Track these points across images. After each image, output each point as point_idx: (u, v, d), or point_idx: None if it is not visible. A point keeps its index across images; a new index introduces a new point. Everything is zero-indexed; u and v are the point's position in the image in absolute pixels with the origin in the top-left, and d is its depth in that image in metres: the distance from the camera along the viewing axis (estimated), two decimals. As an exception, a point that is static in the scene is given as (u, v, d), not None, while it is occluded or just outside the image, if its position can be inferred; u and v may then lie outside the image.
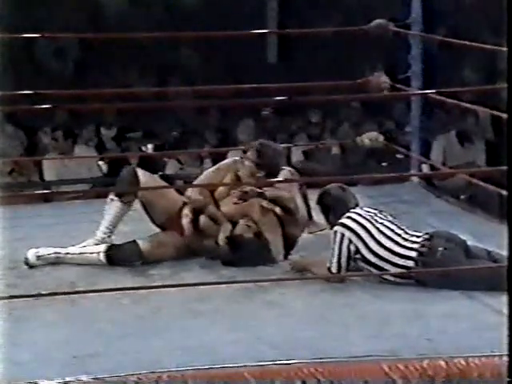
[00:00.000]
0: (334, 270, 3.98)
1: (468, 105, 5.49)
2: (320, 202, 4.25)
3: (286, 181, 4.41)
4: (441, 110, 7.20)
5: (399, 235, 4.00)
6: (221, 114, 7.77)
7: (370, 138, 4.89)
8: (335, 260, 3.98)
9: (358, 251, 3.98)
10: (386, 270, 3.94)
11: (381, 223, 4.02)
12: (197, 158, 7.00)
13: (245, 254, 4.20)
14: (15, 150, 7.15)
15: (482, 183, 4.98)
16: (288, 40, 8.58)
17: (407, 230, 4.04)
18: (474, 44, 5.19)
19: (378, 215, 4.07)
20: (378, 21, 5.14)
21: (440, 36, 5.99)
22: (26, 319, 3.55)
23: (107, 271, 4.14)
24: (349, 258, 3.98)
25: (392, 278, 3.96)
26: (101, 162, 6.82)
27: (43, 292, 3.67)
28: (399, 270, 3.93)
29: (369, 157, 6.86)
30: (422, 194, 5.39)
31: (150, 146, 7.05)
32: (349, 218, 4.03)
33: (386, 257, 3.95)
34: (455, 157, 7.15)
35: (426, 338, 3.39)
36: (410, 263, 3.93)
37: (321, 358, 3.19)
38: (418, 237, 4.00)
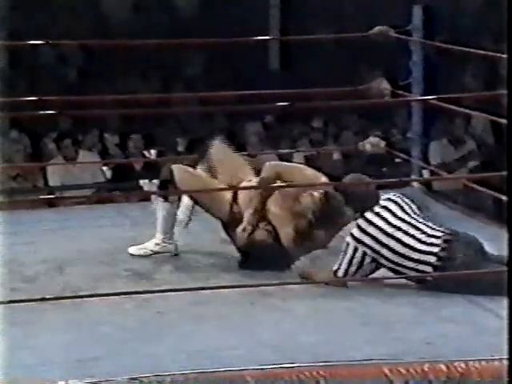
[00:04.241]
0: (340, 274, 3.95)
1: (468, 111, 5.49)
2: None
3: (288, 186, 4.40)
4: (441, 116, 7.20)
5: (417, 239, 3.90)
6: (223, 121, 7.78)
7: (371, 143, 4.89)
8: (344, 267, 3.94)
9: (374, 260, 3.92)
10: (404, 273, 3.89)
11: (398, 227, 3.92)
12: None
13: (262, 259, 4.21)
14: (20, 155, 7.16)
15: (480, 188, 4.98)
16: (290, 47, 8.59)
17: (425, 230, 3.92)
18: (474, 51, 5.19)
19: (392, 217, 3.94)
20: (378, 27, 5.15)
21: (441, 43, 5.99)
22: (30, 323, 3.56)
23: (111, 276, 4.14)
24: (358, 268, 3.93)
25: (407, 282, 3.91)
26: (104, 168, 6.84)
27: (47, 296, 3.67)
28: (416, 275, 3.87)
29: (370, 162, 6.86)
30: (422, 199, 5.38)
31: (153, 152, 7.07)
32: (363, 230, 3.92)
33: (404, 264, 3.89)
34: (450, 159, 7.18)
35: (427, 341, 3.40)
36: (429, 269, 3.86)
37: (322, 362, 3.19)
38: (437, 237, 3.90)
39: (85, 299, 3.71)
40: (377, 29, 5.16)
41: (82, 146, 7.26)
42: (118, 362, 3.21)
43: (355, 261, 3.93)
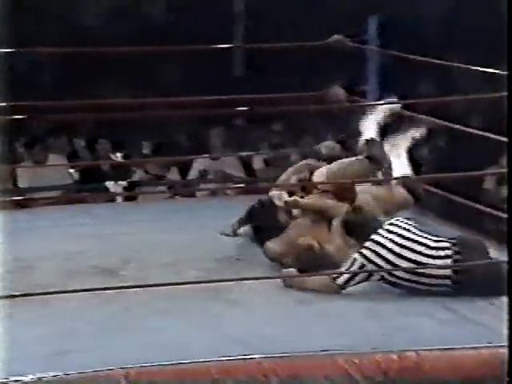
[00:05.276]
0: (339, 283, 3.88)
1: (421, 116, 5.56)
2: (344, 227, 4.11)
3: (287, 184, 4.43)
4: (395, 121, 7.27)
5: (425, 255, 3.86)
6: (191, 124, 7.82)
7: (327, 146, 4.96)
8: (345, 278, 3.86)
9: (384, 278, 3.87)
10: (422, 290, 3.85)
11: (403, 246, 3.88)
12: (165, 166, 7.08)
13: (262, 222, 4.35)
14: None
15: (433, 189, 5.05)
16: (254, 54, 8.63)
17: (430, 244, 3.89)
18: (427, 59, 5.26)
19: (398, 238, 3.90)
20: (335, 36, 5.22)
21: (396, 51, 6.06)
22: (1, 319, 3.55)
23: (79, 272, 4.15)
24: (358, 283, 3.88)
25: (427, 288, 3.85)
26: (72, 170, 6.86)
27: (18, 293, 3.67)
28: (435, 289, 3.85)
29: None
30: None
31: (119, 155, 7.11)
32: (370, 249, 3.89)
33: (421, 280, 3.83)
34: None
35: (381, 333, 3.45)
36: (447, 282, 3.82)
37: (282, 353, 3.22)
38: (444, 249, 3.87)
39: (54, 296, 3.71)
40: (334, 38, 5.22)
41: (52, 149, 7.26)
42: (85, 356, 3.23)
43: (358, 277, 3.86)
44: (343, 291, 3.89)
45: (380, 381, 3.18)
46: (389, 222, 4.02)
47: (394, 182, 4.46)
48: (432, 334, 3.45)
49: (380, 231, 3.96)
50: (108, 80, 8.22)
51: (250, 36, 8.52)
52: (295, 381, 3.16)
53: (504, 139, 4.28)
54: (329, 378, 3.17)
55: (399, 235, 3.93)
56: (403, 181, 4.43)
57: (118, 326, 3.54)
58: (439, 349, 3.29)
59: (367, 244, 3.93)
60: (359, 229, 4.02)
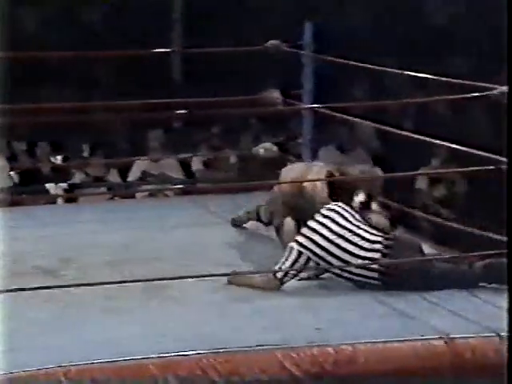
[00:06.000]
0: (279, 276, 3.88)
1: (355, 119, 5.63)
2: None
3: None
4: (330, 124, 7.34)
5: (359, 246, 3.87)
6: (130, 127, 7.80)
7: (265, 148, 4.98)
8: (284, 269, 3.87)
9: (318, 265, 3.89)
10: (350, 279, 3.88)
11: (338, 234, 3.89)
12: (105, 168, 7.06)
13: None
14: None
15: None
16: (192, 58, 8.64)
17: (367, 236, 3.89)
18: (360, 64, 5.33)
19: (334, 225, 3.91)
20: (271, 42, 5.26)
21: (331, 57, 6.13)
22: None
23: (21, 273, 4.11)
24: (299, 272, 3.89)
25: (357, 278, 3.87)
26: (12, 173, 6.80)
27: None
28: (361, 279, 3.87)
29: (264, 165, 6.95)
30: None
31: (59, 157, 7.07)
32: (307, 238, 3.90)
33: (349, 269, 3.86)
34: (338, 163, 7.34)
35: (317, 327, 3.48)
36: (374, 274, 3.85)
37: (220, 349, 3.23)
38: (378, 242, 3.88)
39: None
40: (269, 43, 5.26)
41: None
42: (25, 355, 3.19)
43: (297, 265, 3.87)
44: (282, 286, 3.90)
45: (316, 373, 3.21)
46: (327, 207, 3.99)
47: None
48: (366, 327, 3.49)
49: (317, 217, 3.94)
50: (47, 84, 8.15)
51: (188, 40, 8.53)
52: (234, 375, 3.17)
53: (436, 141, 4.40)
54: (266, 371, 3.19)
55: (336, 222, 3.92)
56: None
57: (58, 325, 3.51)
58: (374, 342, 3.33)
59: (303, 231, 3.93)
60: (301, 213, 4.03)
